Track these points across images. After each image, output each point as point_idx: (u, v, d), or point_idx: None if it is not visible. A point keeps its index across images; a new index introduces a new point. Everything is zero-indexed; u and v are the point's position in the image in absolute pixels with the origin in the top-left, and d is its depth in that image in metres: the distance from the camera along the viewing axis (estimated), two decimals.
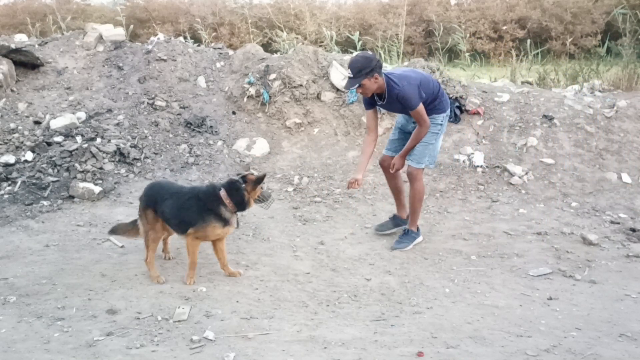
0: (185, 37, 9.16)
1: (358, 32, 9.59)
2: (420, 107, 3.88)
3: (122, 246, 4.19)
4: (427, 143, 4.08)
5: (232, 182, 3.50)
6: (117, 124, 6.21)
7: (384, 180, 5.61)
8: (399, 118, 4.41)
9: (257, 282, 3.59)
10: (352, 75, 3.77)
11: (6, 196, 4.99)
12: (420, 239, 4.33)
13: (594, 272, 3.80)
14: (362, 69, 3.73)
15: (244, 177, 3.50)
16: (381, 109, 4.32)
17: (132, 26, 9.73)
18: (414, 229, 4.30)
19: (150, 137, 6.13)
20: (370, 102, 4.10)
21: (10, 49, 6.63)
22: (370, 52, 4.03)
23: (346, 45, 12.07)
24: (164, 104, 6.60)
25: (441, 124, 4.13)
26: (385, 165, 4.36)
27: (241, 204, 3.47)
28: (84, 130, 5.93)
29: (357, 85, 3.78)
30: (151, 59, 7.11)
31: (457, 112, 6.23)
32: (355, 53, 4.18)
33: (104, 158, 5.57)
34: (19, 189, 5.08)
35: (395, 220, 4.51)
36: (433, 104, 4.05)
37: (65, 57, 7.20)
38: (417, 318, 3.12)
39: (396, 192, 4.51)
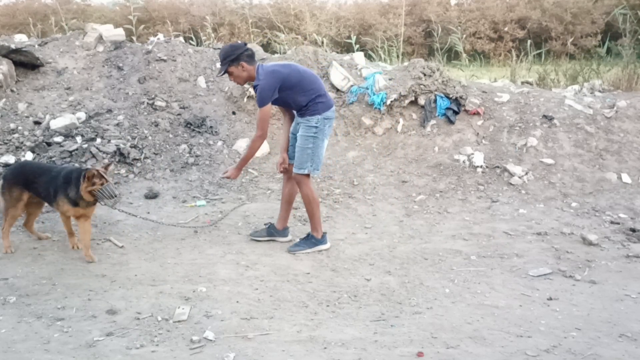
0: (185, 38, 9.16)
1: (356, 34, 9.59)
2: (263, 110, 3.89)
3: (122, 246, 4.19)
4: (303, 147, 3.99)
5: (79, 170, 3.87)
6: (117, 124, 6.21)
7: (384, 181, 5.62)
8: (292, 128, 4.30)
9: (257, 282, 3.59)
10: (220, 63, 3.96)
11: None
12: (325, 246, 4.16)
13: (594, 272, 3.80)
14: (227, 57, 3.88)
15: (88, 169, 3.81)
16: None
17: (142, 27, 9.75)
18: (317, 235, 4.14)
19: (150, 138, 6.13)
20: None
21: (10, 49, 6.62)
22: (240, 42, 4.11)
23: (346, 45, 12.08)
24: (164, 104, 6.60)
25: (316, 127, 3.98)
26: (287, 170, 4.25)
27: (76, 193, 3.76)
28: (83, 130, 5.93)
29: (223, 72, 3.93)
30: (151, 59, 7.11)
31: (454, 111, 6.23)
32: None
33: (103, 158, 5.57)
34: None
35: (270, 230, 4.35)
36: (308, 105, 3.98)
37: (65, 57, 7.20)
38: (417, 318, 3.12)
39: (285, 201, 4.33)
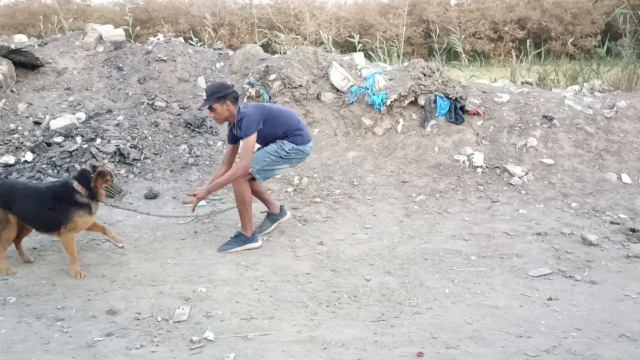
0: (185, 38, 9.16)
1: (358, 34, 9.60)
2: (250, 139, 4.00)
3: (122, 246, 4.19)
4: (268, 153, 4.15)
5: (83, 171, 3.77)
6: (117, 125, 6.21)
7: (384, 181, 5.62)
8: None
9: (257, 282, 3.59)
10: (205, 97, 4.10)
11: None
12: (255, 244, 4.18)
13: (593, 272, 3.80)
14: (214, 93, 4.03)
15: (94, 168, 3.72)
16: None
17: (138, 27, 9.76)
18: (247, 234, 4.18)
19: (150, 138, 6.13)
20: (231, 137, 4.32)
21: (10, 50, 6.63)
22: (229, 83, 4.35)
23: (346, 46, 12.09)
24: (163, 104, 6.60)
25: (287, 152, 4.16)
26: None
27: (91, 193, 3.65)
28: (83, 130, 5.93)
29: (208, 105, 4.05)
30: (151, 60, 7.11)
31: (460, 112, 6.24)
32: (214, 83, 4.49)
33: (103, 159, 5.57)
34: None
35: (271, 217, 4.49)
36: (287, 135, 4.19)
37: (65, 57, 7.20)
38: (417, 318, 3.12)
39: (258, 196, 4.46)
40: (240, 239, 4.20)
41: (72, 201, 3.59)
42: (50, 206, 3.57)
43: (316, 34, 12.07)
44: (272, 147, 4.17)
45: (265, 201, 4.52)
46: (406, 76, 6.48)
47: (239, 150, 4.23)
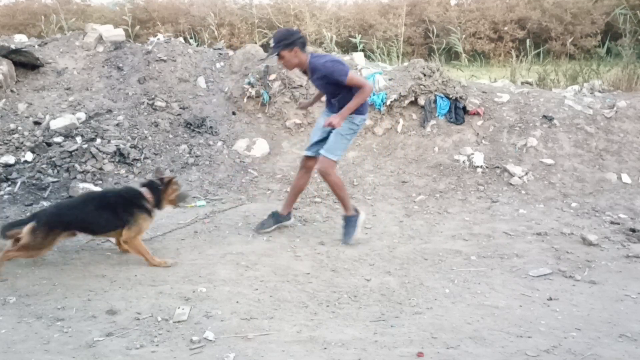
0: (185, 38, 9.16)
1: (360, 35, 9.60)
2: (352, 74, 3.93)
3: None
4: (343, 135, 4.10)
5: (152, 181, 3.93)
6: (117, 125, 6.21)
7: (384, 181, 5.62)
8: (320, 117, 4.42)
9: (257, 282, 3.59)
10: (273, 44, 3.93)
11: (6, 197, 4.99)
12: (362, 217, 4.33)
13: (593, 272, 3.80)
14: (281, 40, 3.88)
15: (161, 178, 3.91)
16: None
17: (137, 27, 9.76)
18: (352, 213, 4.29)
19: (150, 138, 6.13)
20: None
21: (10, 50, 6.63)
22: (295, 29, 4.15)
23: (346, 45, 12.09)
24: (163, 104, 6.60)
25: (357, 125, 4.15)
26: (307, 166, 4.38)
27: (158, 201, 3.85)
28: (83, 130, 5.93)
29: (275, 54, 3.91)
30: (151, 60, 7.11)
31: (460, 112, 6.24)
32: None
33: (103, 159, 5.57)
34: (19, 190, 5.08)
35: (275, 217, 4.48)
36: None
37: (65, 57, 7.20)
38: (417, 318, 3.12)
39: (296, 191, 4.48)
40: (352, 220, 4.28)
41: (138, 206, 3.77)
42: (114, 210, 3.72)
43: (316, 34, 12.07)
44: (344, 127, 4.05)
45: (292, 198, 4.50)
46: (406, 76, 6.48)
47: (352, 83, 3.96)
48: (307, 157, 4.38)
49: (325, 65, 3.93)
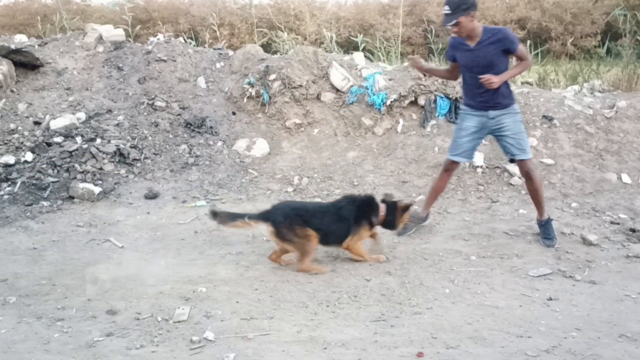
0: (185, 39, 9.16)
1: (360, 34, 9.59)
2: (522, 49, 3.84)
3: (122, 246, 4.20)
4: (520, 132, 4.02)
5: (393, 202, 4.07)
6: (117, 125, 6.21)
7: (384, 181, 5.62)
8: (466, 119, 4.21)
9: (257, 282, 3.59)
10: (449, 12, 3.73)
11: (6, 197, 5.00)
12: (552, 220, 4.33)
13: (593, 272, 3.80)
14: (460, 5, 3.68)
15: (392, 201, 4.05)
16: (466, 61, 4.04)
17: (138, 27, 9.76)
18: (546, 216, 4.29)
19: (150, 138, 6.13)
20: (452, 55, 4.09)
21: (10, 50, 6.63)
22: None
23: (346, 45, 12.07)
24: (163, 104, 6.60)
25: (518, 112, 4.08)
26: (452, 170, 4.37)
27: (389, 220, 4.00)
28: (83, 130, 5.93)
29: (454, 21, 3.72)
30: (151, 60, 7.11)
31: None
32: None
33: (103, 159, 5.57)
34: (19, 190, 5.08)
35: (416, 218, 4.47)
36: (510, 91, 4.00)
37: (65, 57, 7.20)
38: (417, 318, 3.12)
39: (436, 193, 4.50)
40: (549, 224, 4.26)
41: (368, 218, 3.92)
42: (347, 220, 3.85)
43: (316, 34, 12.06)
44: (514, 125, 4.00)
45: (431, 199, 4.50)
46: (406, 76, 6.48)
47: (522, 53, 3.88)
48: (453, 162, 4.32)
49: (503, 30, 3.84)
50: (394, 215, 3.99)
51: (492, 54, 3.86)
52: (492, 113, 4.04)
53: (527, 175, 4.17)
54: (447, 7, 3.77)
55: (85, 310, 3.14)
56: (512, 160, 4.25)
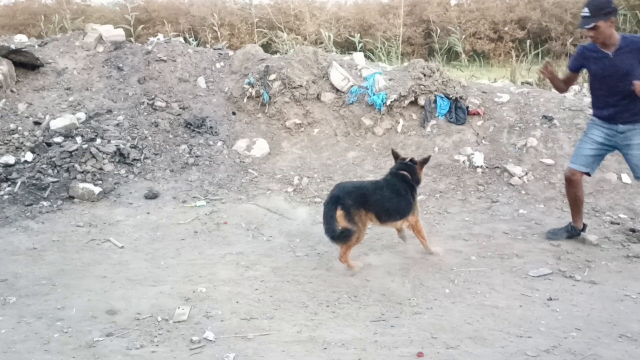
0: (185, 38, 9.16)
1: (359, 35, 9.61)
2: None
3: (122, 247, 4.20)
4: None
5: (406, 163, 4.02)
6: (117, 125, 6.21)
7: None
8: (594, 128, 4.00)
9: (257, 282, 3.59)
10: (588, 14, 3.53)
11: (6, 197, 4.99)
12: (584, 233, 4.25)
13: (593, 272, 3.79)
14: (602, 8, 3.49)
15: (412, 160, 4.02)
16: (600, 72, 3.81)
17: (140, 27, 9.76)
18: (581, 225, 4.25)
19: (150, 138, 6.13)
20: (576, 65, 3.95)
21: (10, 50, 6.63)
22: None
23: (346, 45, 12.08)
24: (163, 104, 6.60)
25: None
26: (574, 180, 4.07)
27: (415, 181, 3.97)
28: (83, 130, 5.93)
29: (592, 24, 3.52)
30: (151, 60, 7.11)
31: (461, 112, 6.24)
32: None
33: (103, 159, 5.57)
34: (19, 190, 5.08)
35: (571, 231, 4.28)
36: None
37: (65, 57, 7.20)
38: (417, 319, 3.12)
39: (577, 202, 4.18)
40: (571, 229, 4.21)
41: (413, 188, 3.94)
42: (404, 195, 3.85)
43: (316, 34, 12.06)
44: None
45: (576, 211, 4.24)
46: (406, 76, 6.48)
47: None
48: (574, 170, 4.07)
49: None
50: (415, 174, 3.98)
51: (630, 63, 3.64)
52: (621, 127, 3.81)
53: None
54: (586, 10, 3.57)
55: (85, 310, 3.14)
56: (637, 178, 3.93)
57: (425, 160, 4.04)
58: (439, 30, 9.36)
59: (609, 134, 3.91)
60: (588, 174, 4.09)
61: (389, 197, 3.78)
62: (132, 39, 8.94)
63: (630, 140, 3.80)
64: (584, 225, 4.31)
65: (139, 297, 3.31)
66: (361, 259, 3.99)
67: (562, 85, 4.19)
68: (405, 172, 3.93)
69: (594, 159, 4.03)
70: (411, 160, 4.01)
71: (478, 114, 6.24)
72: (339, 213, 3.58)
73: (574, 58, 3.97)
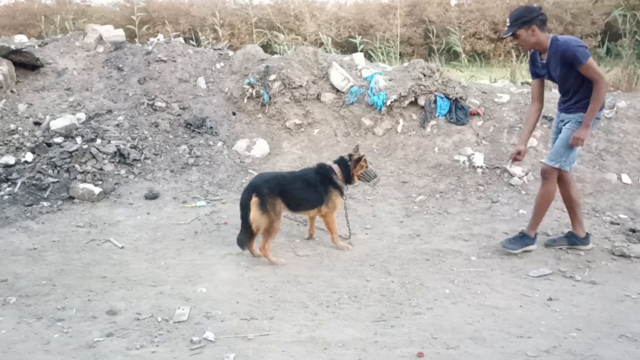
0: (185, 39, 9.17)
1: (359, 35, 9.61)
2: (591, 61, 3.62)
3: (122, 247, 4.19)
4: (565, 140, 3.84)
5: (341, 158, 4.22)
6: (117, 125, 6.21)
7: (384, 181, 5.62)
8: (554, 123, 4.16)
9: (257, 282, 3.59)
10: (509, 23, 3.78)
11: (6, 197, 5.00)
12: (533, 247, 4.07)
13: (594, 272, 3.80)
14: (518, 18, 3.73)
15: (350, 155, 4.19)
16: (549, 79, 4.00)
17: (145, 28, 9.76)
18: (531, 235, 4.06)
19: (150, 138, 6.13)
20: (535, 72, 4.02)
21: (10, 50, 6.63)
22: (536, 6, 3.84)
23: (346, 46, 12.09)
24: (164, 104, 6.60)
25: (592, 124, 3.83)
26: (561, 177, 4.05)
27: (348, 179, 4.16)
28: (83, 131, 5.93)
29: (510, 33, 3.77)
30: (151, 60, 7.11)
31: (461, 112, 6.24)
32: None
33: (103, 159, 5.57)
34: (19, 190, 5.08)
35: (570, 239, 4.16)
36: (586, 99, 3.75)
37: (65, 58, 7.21)
38: (417, 319, 3.12)
39: (567, 203, 4.14)
40: (524, 240, 4.06)
41: (331, 182, 4.10)
42: (315, 187, 4.04)
43: (316, 34, 12.07)
44: (566, 132, 3.83)
45: (573, 216, 4.15)
46: (406, 76, 6.48)
47: (587, 74, 3.67)
48: (548, 166, 4.04)
49: (568, 42, 3.67)
50: (348, 170, 4.15)
51: (559, 69, 3.79)
52: (562, 115, 4.01)
53: (542, 178, 4.03)
54: (508, 19, 3.84)
55: (85, 311, 3.14)
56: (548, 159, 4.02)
57: (357, 159, 4.16)
58: (436, 31, 9.35)
59: (557, 122, 4.11)
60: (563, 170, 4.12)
61: (302, 187, 4.01)
62: (137, 39, 8.94)
63: (564, 127, 3.98)
64: (587, 235, 4.20)
65: (139, 298, 3.31)
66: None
67: (534, 117, 4.17)
68: (328, 166, 4.16)
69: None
70: (349, 155, 4.21)
71: (478, 114, 6.24)
72: (254, 200, 3.76)
73: (531, 71, 4.11)
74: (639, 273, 3.78)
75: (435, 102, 6.31)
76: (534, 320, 3.10)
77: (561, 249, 4.15)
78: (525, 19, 3.72)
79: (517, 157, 4.08)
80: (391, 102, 6.25)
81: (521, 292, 3.48)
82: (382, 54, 8.96)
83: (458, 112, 6.26)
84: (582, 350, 2.75)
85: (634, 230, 4.49)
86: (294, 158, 6.09)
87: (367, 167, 4.25)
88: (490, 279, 3.69)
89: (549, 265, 3.89)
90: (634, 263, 3.94)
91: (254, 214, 3.75)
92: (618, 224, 4.67)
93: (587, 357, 2.68)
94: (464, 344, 2.82)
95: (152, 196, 5.26)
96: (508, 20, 3.83)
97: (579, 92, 3.82)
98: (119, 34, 7.62)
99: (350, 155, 4.22)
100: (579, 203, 4.19)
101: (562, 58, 3.71)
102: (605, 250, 4.16)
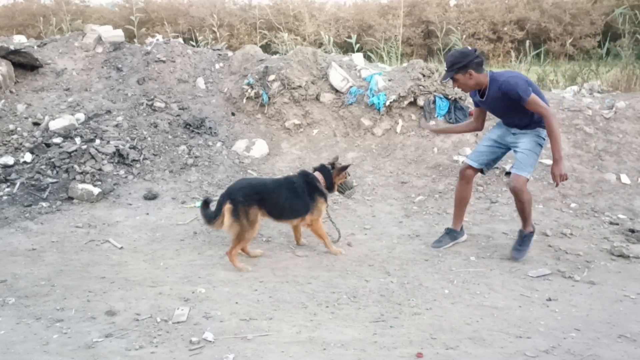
0: (184, 39, 9.16)
1: (356, 35, 9.60)
2: (534, 97, 3.66)
3: (121, 247, 4.19)
4: (532, 151, 3.88)
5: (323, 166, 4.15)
6: (116, 125, 6.21)
7: (383, 181, 5.62)
8: (494, 128, 4.19)
9: (257, 283, 3.59)
10: (446, 68, 3.84)
11: (5, 197, 4.99)
12: (534, 236, 4.14)
13: (593, 273, 3.80)
14: (454, 64, 3.77)
15: (331, 164, 4.15)
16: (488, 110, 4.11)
17: (144, 29, 9.76)
18: (531, 229, 4.09)
19: (149, 139, 6.13)
20: (476, 102, 4.10)
21: (9, 50, 6.63)
22: (469, 48, 3.90)
23: (345, 46, 12.08)
24: (163, 105, 6.60)
25: (544, 139, 3.90)
26: (466, 175, 4.19)
27: (330, 186, 4.09)
28: (83, 131, 5.92)
29: (448, 78, 3.85)
30: (150, 60, 7.11)
31: (459, 113, 6.24)
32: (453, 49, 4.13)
33: (103, 159, 5.57)
34: (18, 191, 5.08)
35: (452, 234, 4.31)
36: (539, 119, 3.82)
37: (64, 58, 7.20)
38: (416, 319, 3.12)
39: (462, 203, 4.30)
40: (528, 238, 4.06)
41: (317, 190, 4.02)
42: (299, 195, 3.94)
43: (315, 34, 12.07)
44: (531, 143, 3.87)
45: (459, 211, 4.31)
46: (405, 77, 6.49)
47: (533, 110, 3.71)
48: (469, 167, 4.18)
49: (508, 80, 3.71)
50: (330, 178, 4.09)
51: (502, 105, 3.86)
52: (514, 130, 4.03)
53: (515, 192, 3.98)
54: (445, 64, 3.89)
55: (84, 311, 3.14)
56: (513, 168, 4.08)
57: (343, 168, 4.13)
58: (437, 31, 9.36)
59: (505, 133, 4.09)
60: (481, 171, 4.23)
61: (285, 196, 3.90)
62: (136, 40, 8.93)
63: (519, 141, 3.98)
64: (462, 228, 4.36)
65: (138, 298, 3.31)
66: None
67: (469, 126, 4.36)
68: (311, 174, 4.07)
69: (487, 156, 4.15)
70: (331, 164, 4.15)
71: None
72: (227, 206, 3.70)
73: (473, 100, 4.16)
74: (638, 273, 3.79)
75: (434, 102, 6.31)
76: (533, 320, 3.10)
77: (450, 247, 4.25)
78: (461, 64, 3.75)
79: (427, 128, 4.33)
80: (390, 102, 6.26)
81: (520, 293, 3.48)
82: (385, 54, 8.97)
83: (457, 112, 6.27)
84: (581, 350, 2.75)
85: (633, 231, 4.49)
86: (293, 158, 6.09)
87: (347, 176, 4.21)
88: (489, 279, 3.69)
89: (548, 266, 3.90)
90: (633, 263, 3.95)
91: (226, 220, 3.69)
92: (617, 224, 4.68)
93: (586, 357, 2.69)
94: (463, 344, 2.82)
95: (151, 196, 5.26)
96: (445, 64, 3.87)
97: (527, 117, 3.85)
98: (118, 35, 7.62)
99: (331, 164, 4.15)
100: (468, 201, 4.38)
101: (505, 96, 3.75)
102: (604, 251, 4.16)
